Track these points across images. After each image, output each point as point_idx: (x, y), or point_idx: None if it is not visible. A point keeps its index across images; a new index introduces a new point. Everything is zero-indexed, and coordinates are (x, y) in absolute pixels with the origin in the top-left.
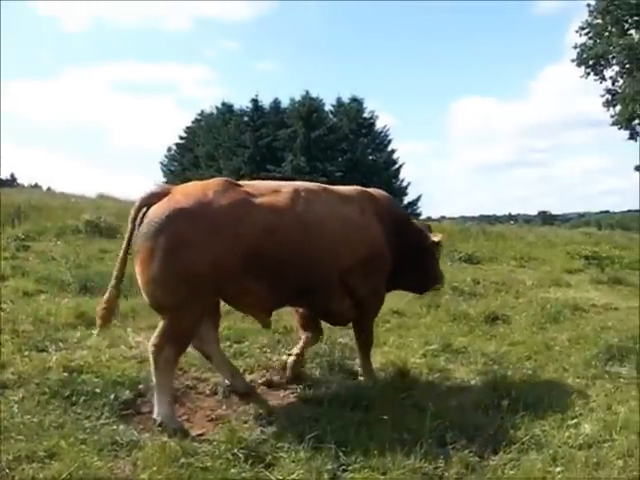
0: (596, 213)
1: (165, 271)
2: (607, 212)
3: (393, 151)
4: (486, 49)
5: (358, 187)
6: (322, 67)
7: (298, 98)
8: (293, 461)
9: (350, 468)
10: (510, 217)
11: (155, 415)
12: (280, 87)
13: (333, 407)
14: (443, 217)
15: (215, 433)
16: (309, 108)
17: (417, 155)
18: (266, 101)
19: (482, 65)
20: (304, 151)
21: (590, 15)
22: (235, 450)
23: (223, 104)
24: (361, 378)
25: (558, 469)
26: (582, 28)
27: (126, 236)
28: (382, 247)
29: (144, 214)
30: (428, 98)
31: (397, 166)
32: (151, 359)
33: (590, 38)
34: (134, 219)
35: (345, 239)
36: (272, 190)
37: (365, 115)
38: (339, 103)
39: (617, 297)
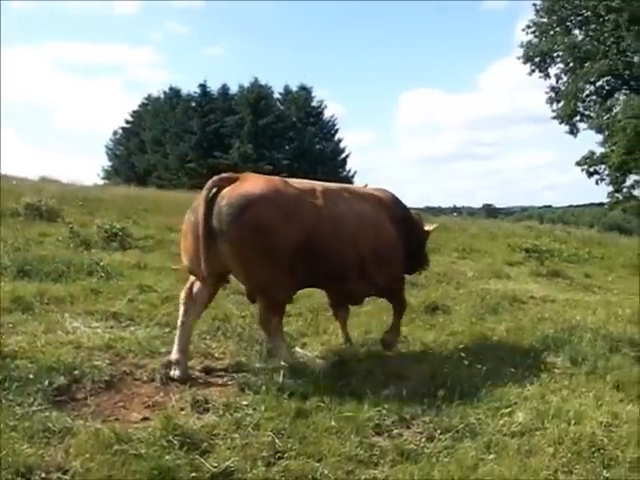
0: (539, 207)
1: (258, 250)
2: (549, 207)
3: (340, 140)
4: (436, 42)
5: (370, 187)
6: (271, 54)
7: (247, 85)
8: (229, 448)
9: (286, 455)
10: (455, 209)
11: (280, 363)
12: (229, 73)
13: (271, 394)
14: None
15: (151, 420)
16: (257, 95)
17: (364, 145)
18: (214, 87)
19: (431, 57)
20: (251, 138)
21: (536, 14)
22: (170, 437)
23: (171, 88)
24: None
25: (491, 456)
26: (528, 27)
27: (201, 214)
28: (393, 239)
29: (214, 195)
30: (377, 89)
31: (344, 155)
32: (263, 328)
33: (536, 36)
34: (207, 199)
35: (362, 232)
36: (310, 189)
37: (313, 104)
38: (287, 91)
39: (555, 290)
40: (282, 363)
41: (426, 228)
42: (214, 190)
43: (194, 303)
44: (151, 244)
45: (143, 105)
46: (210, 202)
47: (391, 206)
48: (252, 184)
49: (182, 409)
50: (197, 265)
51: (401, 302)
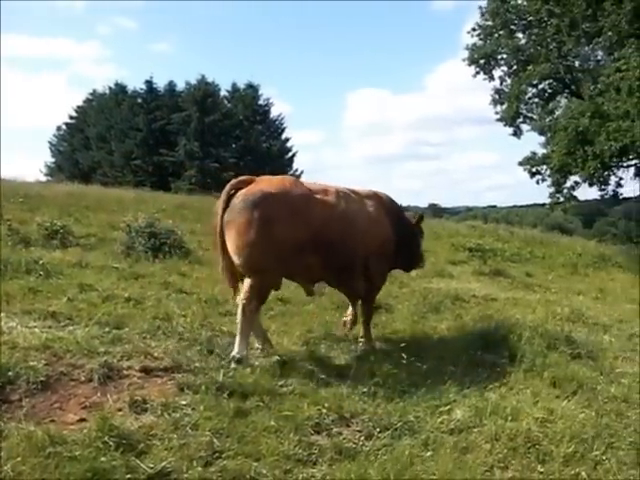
0: (483, 207)
1: (260, 238)
2: (494, 207)
3: (287, 139)
4: (383, 42)
5: (371, 189)
6: (219, 52)
7: (193, 82)
8: (166, 449)
9: (224, 455)
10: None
11: (234, 353)
12: (176, 70)
13: (210, 394)
14: None
15: (88, 421)
16: (204, 93)
17: (312, 144)
18: (161, 83)
19: (379, 57)
20: (198, 136)
21: (482, 17)
22: (106, 438)
23: (116, 84)
24: (361, 345)
25: (428, 453)
26: (474, 29)
27: (219, 212)
28: (390, 237)
29: (232, 195)
30: (324, 88)
31: (291, 154)
32: (239, 310)
33: (481, 39)
34: (226, 199)
35: (368, 231)
36: (322, 190)
37: (260, 102)
38: (234, 89)
39: (497, 288)
40: (233, 352)
41: (414, 222)
42: (232, 192)
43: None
44: (93, 242)
45: (88, 101)
46: (227, 201)
47: (388, 209)
48: (265, 184)
49: (120, 410)
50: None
51: (371, 303)
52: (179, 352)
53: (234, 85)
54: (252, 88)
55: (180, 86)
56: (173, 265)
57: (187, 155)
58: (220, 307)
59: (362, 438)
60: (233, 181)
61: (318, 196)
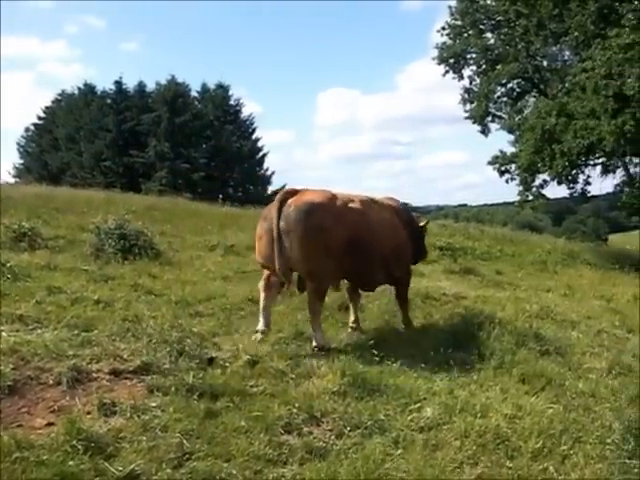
0: (454, 206)
1: (317, 246)
2: (465, 205)
3: (258, 139)
4: (354, 42)
5: (387, 196)
6: (189, 52)
7: (163, 82)
8: (135, 451)
9: (194, 457)
10: None
11: (314, 344)
12: (145, 70)
13: (180, 396)
14: None
15: (56, 425)
16: (174, 93)
17: (283, 144)
18: (130, 84)
19: (349, 57)
20: (168, 137)
21: (451, 16)
22: (74, 442)
23: (85, 84)
24: (402, 329)
25: (398, 451)
26: (443, 28)
27: (274, 221)
28: (405, 239)
29: (282, 204)
30: (295, 88)
31: (261, 154)
32: (308, 310)
33: (450, 38)
34: (279, 208)
35: (386, 234)
36: (351, 199)
37: (231, 102)
38: (205, 89)
39: (467, 286)
40: (314, 344)
41: (420, 224)
42: (283, 202)
43: (270, 290)
44: (62, 244)
45: (56, 101)
46: (279, 210)
47: (402, 213)
48: (311, 196)
49: (88, 413)
50: (271, 261)
51: (405, 296)
52: (149, 354)
53: (204, 85)
54: (222, 88)
55: (150, 86)
56: (143, 267)
57: (157, 156)
58: (190, 308)
59: (332, 437)
60: (282, 192)
61: (350, 205)
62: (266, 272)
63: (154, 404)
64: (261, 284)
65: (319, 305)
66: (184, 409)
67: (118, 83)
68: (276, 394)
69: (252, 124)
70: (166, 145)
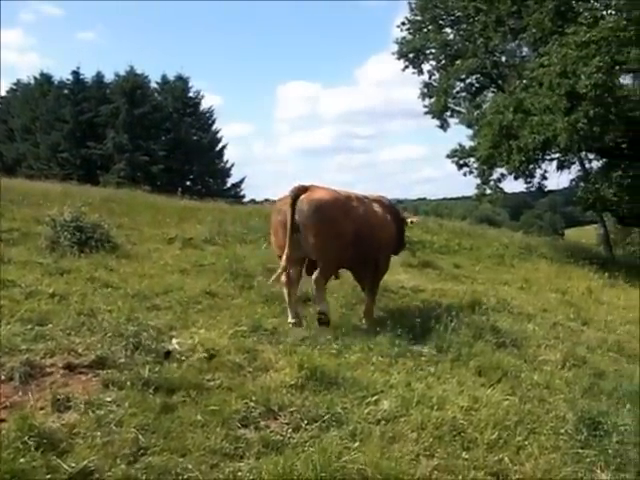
0: (413, 200)
1: (328, 236)
2: (424, 199)
3: (217, 132)
4: (314, 36)
5: (378, 194)
6: (148, 43)
7: (122, 73)
8: (89, 447)
9: (149, 451)
10: None
11: (319, 309)
12: (103, 60)
13: (135, 390)
14: (267, 200)
15: (7, 421)
16: (133, 84)
17: (242, 137)
18: (88, 74)
19: (309, 51)
20: (127, 128)
21: (411, 12)
22: (26, 438)
23: (41, 74)
24: (361, 319)
25: (355, 444)
26: (403, 23)
27: (289, 214)
28: (393, 234)
29: (295, 200)
30: (255, 81)
31: (221, 147)
32: (314, 286)
33: (410, 33)
34: (293, 204)
35: (381, 230)
36: (349, 196)
37: (190, 94)
38: (164, 81)
39: (425, 280)
40: (319, 308)
41: (408, 220)
42: (295, 197)
43: (292, 283)
44: (16, 237)
45: (12, 91)
46: (293, 206)
47: (391, 208)
48: (320, 193)
49: (42, 408)
50: (294, 251)
51: (377, 285)
52: (104, 348)
53: (164, 77)
54: (182, 80)
55: (108, 77)
56: (100, 260)
57: (116, 148)
58: (147, 301)
59: (289, 431)
60: (294, 188)
61: (352, 202)
62: (283, 268)
63: (109, 399)
64: (283, 279)
65: (323, 283)
66: (140, 403)
67: (75, 73)
68: (233, 388)
69: (212, 116)
70: (125, 137)
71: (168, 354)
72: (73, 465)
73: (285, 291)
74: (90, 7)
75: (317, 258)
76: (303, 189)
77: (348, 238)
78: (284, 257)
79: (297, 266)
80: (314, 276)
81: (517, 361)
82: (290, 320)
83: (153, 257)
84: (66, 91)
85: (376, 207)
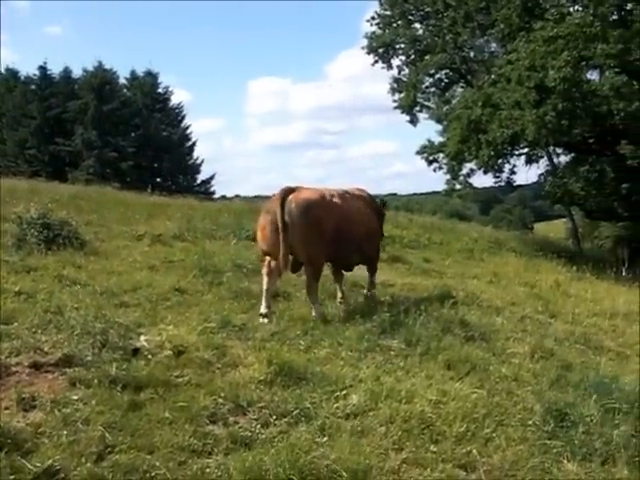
0: (384, 195)
1: (314, 235)
2: (395, 195)
3: (187, 127)
4: (284, 31)
5: (359, 188)
6: (117, 38)
7: (90, 68)
8: (55, 446)
9: (116, 450)
10: None
11: (314, 316)
12: (71, 55)
13: (103, 388)
14: (237, 196)
15: None
16: (101, 80)
17: (212, 132)
18: (55, 69)
19: (280, 46)
20: (95, 125)
21: (381, 6)
22: None
23: (7, 69)
24: (367, 293)
25: (324, 439)
26: (373, 18)
27: (279, 213)
28: (375, 225)
29: (284, 200)
30: (225, 76)
31: (191, 143)
32: (307, 287)
33: (380, 28)
34: (282, 204)
35: (362, 222)
36: (333, 194)
37: (160, 90)
38: (133, 76)
39: (395, 274)
40: (313, 314)
41: (384, 212)
42: (284, 198)
43: (272, 276)
44: None
45: None
46: (282, 206)
47: (370, 201)
48: (307, 193)
49: (7, 408)
50: (275, 248)
51: (375, 269)
52: (71, 346)
53: (133, 72)
54: (151, 75)
55: (76, 72)
56: (67, 257)
57: (84, 144)
58: (115, 298)
59: (258, 426)
60: (282, 189)
61: (334, 199)
62: (267, 259)
63: (76, 397)
64: (264, 270)
65: (315, 284)
66: (107, 401)
67: (42, 68)
68: (202, 384)
69: (181, 112)
70: (93, 133)
71: (136, 351)
72: (38, 465)
73: (264, 280)
74: (57, 1)
75: (303, 255)
76: (290, 190)
77: (330, 235)
78: (281, 256)
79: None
80: (306, 280)
81: (485, 354)
82: (262, 310)
83: (122, 254)
84: (33, 87)
85: (358, 202)
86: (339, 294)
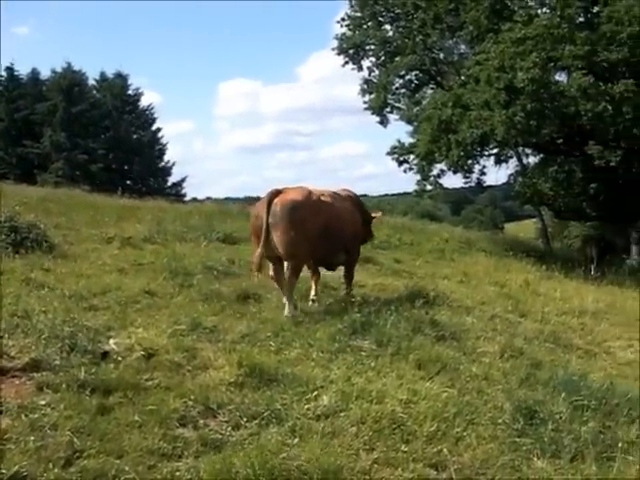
0: None
1: (297, 235)
2: (366, 195)
3: (158, 130)
4: (255, 33)
5: (346, 190)
6: (86, 39)
7: (59, 70)
8: (21, 452)
9: (85, 454)
10: None
11: (286, 314)
12: (39, 56)
13: (71, 392)
14: (209, 198)
15: None
16: (70, 81)
17: (182, 135)
18: (23, 70)
19: (250, 48)
20: (65, 127)
21: (351, 8)
22: None
23: None
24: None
25: (295, 441)
26: (343, 19)
27: (264, 217)
28: (360, 225)
29: (270, 203)
30: (195, 78)
31: (161, 145)
32: (286, 283)
33: (350, 29)
34: (268, 207)
35: (348, 222)
36: (321, 194)
37: (130, 92)
38: (103, 78)
39: (366, 275)
40: (286, 312)
41: (372, 214)
42: (271, 200)
43: (280, 277)
44: None
45: None
46: (269, 207)
47: (356, 201)
48: (293, 194)
49: None
50: (270, 251)
51: (352, 270)
52: (38, 350)
53: (102, 74)
54: (121, 77)
55: (44, 74)
56: (35, 260)
57: (53, 146)
58: (84, 302)
59: (229, 429)
60: (269, 192)
61: (322, 199)
62: (271, 266)
63: (43, 402)
64: (271, 275)
65: (295, 281)
66: (75, 406)
67: (9, 69)
68: (171, 387)
69: (152, 114)
70: (62, 135)
71: (105, 355)
72: (4, 471)
73: (277, 286)
74: (23, 0)
75: (287, 255)
76: (277, 193)
77: (316, 234)
78: (257, 255)
79: (280, 262)
80: (287, 276)
81: (456, 354)
82: (287, 313)
83: (91, 257)
84: (0, 88)
85: (345, 202)
86: (313, 293)
